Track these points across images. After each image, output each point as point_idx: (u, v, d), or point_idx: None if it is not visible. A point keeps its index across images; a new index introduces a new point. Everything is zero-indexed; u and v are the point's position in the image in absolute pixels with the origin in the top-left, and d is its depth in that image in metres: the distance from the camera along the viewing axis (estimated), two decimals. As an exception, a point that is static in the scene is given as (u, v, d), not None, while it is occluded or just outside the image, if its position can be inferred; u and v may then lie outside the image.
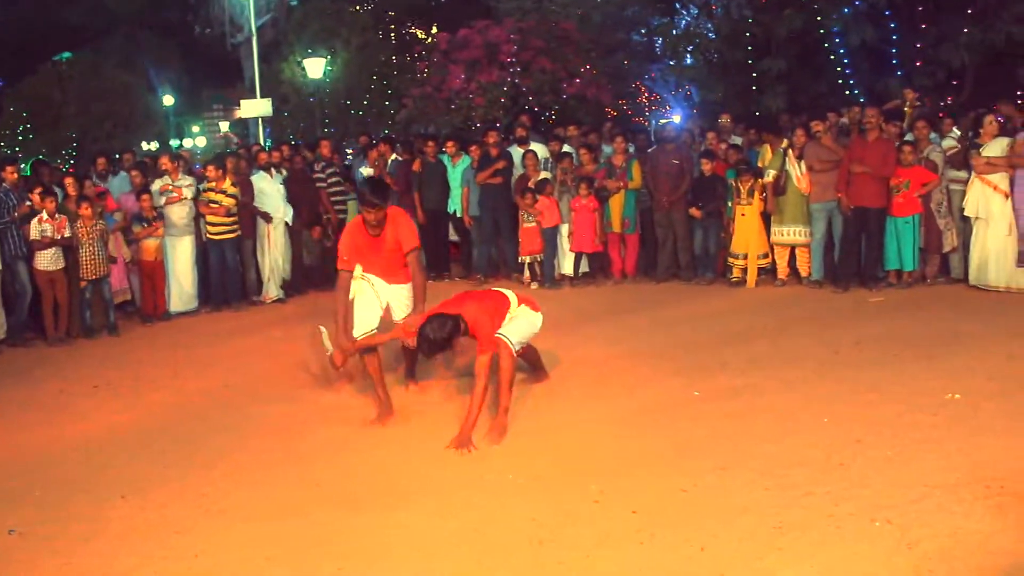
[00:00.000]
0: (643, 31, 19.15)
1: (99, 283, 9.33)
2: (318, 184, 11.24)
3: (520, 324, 5.83)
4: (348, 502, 4.75)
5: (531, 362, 6.58)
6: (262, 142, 19.41)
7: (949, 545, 3.78)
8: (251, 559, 4.18)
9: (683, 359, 7.08)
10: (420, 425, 5.94)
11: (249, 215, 10.37)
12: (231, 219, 10.10)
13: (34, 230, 8.88)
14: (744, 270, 9.90)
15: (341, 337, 6.08)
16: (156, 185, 10.15)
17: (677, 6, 17.70)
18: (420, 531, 4.35)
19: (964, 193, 8.95)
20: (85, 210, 9.13)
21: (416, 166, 11.44)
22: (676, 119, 16.58)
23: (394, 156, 11.91)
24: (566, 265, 10.79)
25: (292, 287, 10.84)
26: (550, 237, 10.68)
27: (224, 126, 42.73)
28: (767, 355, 7.01)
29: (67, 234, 9.01)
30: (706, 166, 10.12)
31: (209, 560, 4.21)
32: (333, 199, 11.37)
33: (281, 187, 10.67)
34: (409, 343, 5.97)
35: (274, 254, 10.60)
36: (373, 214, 5.91)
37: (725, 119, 11.52)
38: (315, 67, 21.92)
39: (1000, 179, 8.66)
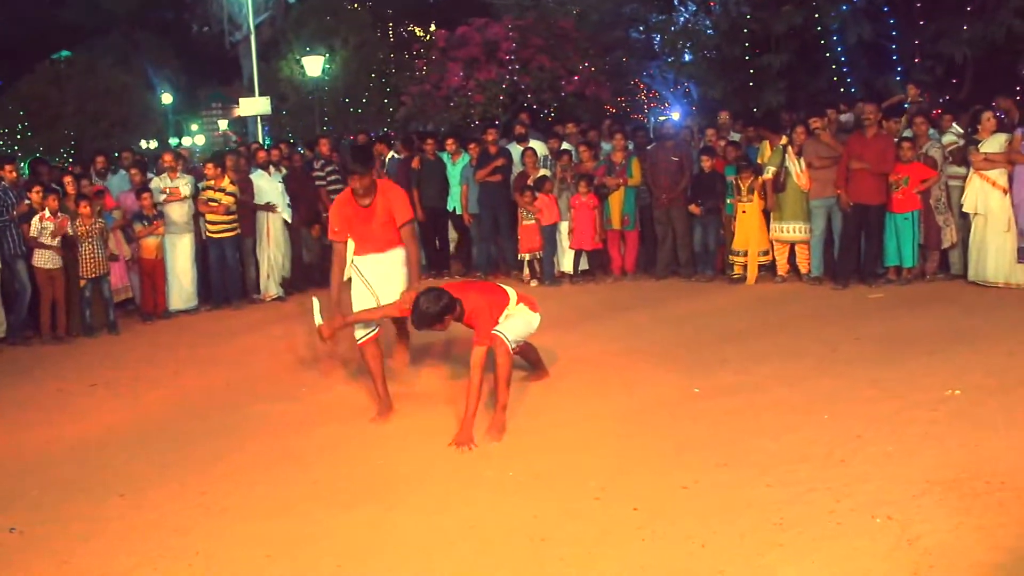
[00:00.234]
0: (641, 28, 19.10)
1: (99, 281, 9.33)
2: (317, 182, 11.23)
3: (516, 322, 5.80)
4: (348, 500, 4.75)
5: (531, 360, 6.57)
6: (261, 140, 19.39)
7: (950, 541, 3.77)
8: (251, 558, 4.18)
9: (683, 356, 7.07)
10: (420, 422, 5.93)
11: (249, 213, 10.36)
12: (231, 217, 10.10)
13: (34, 228, 8.87)
14: (745, 267, 9.89)
15: (333, 309, 6.01)
16: (155, 183, 10.16)
17: (675, 3, 17.65)
18: (420, 528, 4.34)
19: (963, 189, 8.94)
20: (84, 208, 9.14)
21: (415, 164, 11.44)
22: (675, 116, 16.56)
23: (391, 154, 11.91)
24: (565, 263, 10.80)
25: (292, 285, 10.83)
26: (549, 234, 10.67)
27: (223, 124, 42.71)
28: (767, 352, 7.00)
29: (68, 232, 9.01)
30: (706, 163, 10.12)
31: (209, 559, 4.20)
32: (332, 197, 11.35)
33: (280, 185, 10.67)
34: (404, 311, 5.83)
35: (274, 252, 10.59)
36: (358, 181, 5.81)
37: (724, 116, 11.51)
38: (314, 65, 21.93)
39: (999, 175, 8.66)
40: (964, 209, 8.93)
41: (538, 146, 11.17)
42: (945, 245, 9.22)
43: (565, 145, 11.18)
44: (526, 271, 10.84)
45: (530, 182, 10.64)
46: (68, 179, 9.70)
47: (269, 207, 10.45)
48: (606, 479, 4.73)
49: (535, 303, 6.07)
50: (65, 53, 27.97)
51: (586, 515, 4.34)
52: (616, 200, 10.49)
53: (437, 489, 4.81)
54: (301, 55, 22.79)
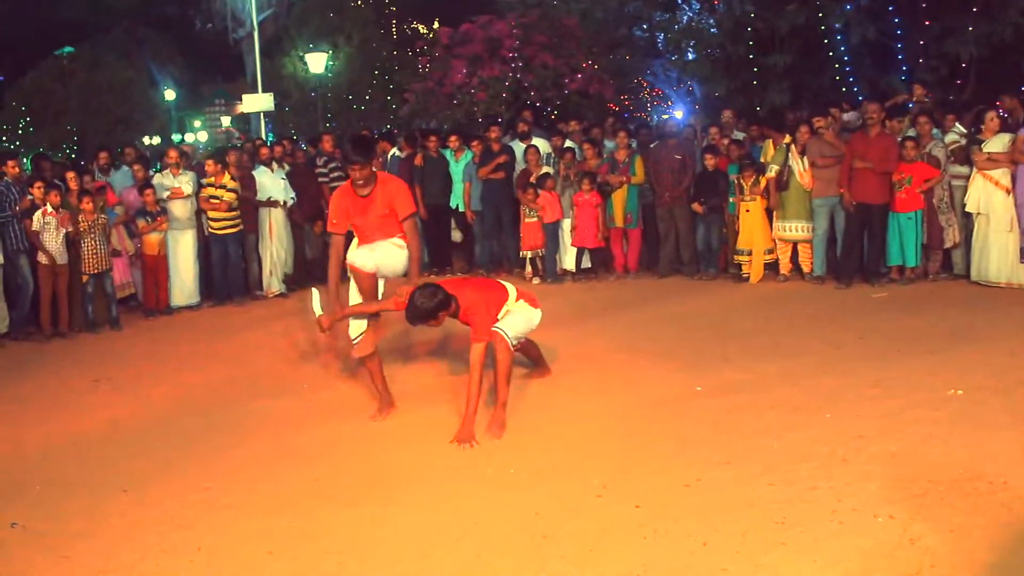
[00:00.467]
0: (645, 26, 19.08)
1: (101, 277, 9.34)
2: (320, 179, 11.23)
3: (516, 319, 5.78)
4: (349, 497, 4.75)
5: (532, 357, 6.56)
6: (264, 137, 19.40)
7: (952, 540, 3.77)
8: (253, 554, 4.18)
9: (685, 354, 7.07)
10: (421, 419, 5.93)
11: (252, 209, 10.37)
12: (233, 213, 10.10)
13: (36, 223, 8.88)
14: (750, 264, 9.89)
15: (331, 300, 5.98)
16: (158, 179, 10.17)
17: (679, 1, 17.65)
18: (422, 525, 4.35)
19: (966, 189, 8.93)
20: (87, 204, 9.14)
21: (418, 161, 11.43)
22: (678, 114, 16.54)
23: (393, 151, 11.90)
24: (568, 260, 10.79)
25: (294, 281, 10.83)
26: (551, 232, 10.67)
27: (226, 121, 42.76)
28: (769, 350, 7.00)
29: (69, 228, 9.01)
30: (709, 161, 10.12)
31: (210, 555, 4.21)
32: (335, 194, 11.36)
33: (283, 181, 10.67)
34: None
35: (276, 248, 10.60)
36: (358, 171, 5.72)
37: (727, 115, 11.50)
38: (317, 62, 21.92)
39: (1002, 175, 8.64)
40: (967, 209, 8.92)
41: (541, 144, 11.18)
42: (948, 245, 9.21)
43: (568, 143, 11.18)
44: (528, 269, 10.84)
45: (533, 179, 10.64)
46: (71, 175, 9.71)
47: (272, 203, 10.45)
48: (608, 477, 4.72)
49: (536, 299, 6.05)
50: (68, 49, 27.94)
51: (588, 513, 4.34)
52: (619, 198, 10.48)
53: (438, 486, 4.81)
54: (304, 52, 22.79)
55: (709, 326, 7.99)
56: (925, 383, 5.80)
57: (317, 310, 6.04)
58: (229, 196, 10.00)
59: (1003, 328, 7.13)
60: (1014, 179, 8.57)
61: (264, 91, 20.94)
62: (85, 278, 9.22)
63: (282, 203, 10.52)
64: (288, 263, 10.83)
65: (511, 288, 5.92)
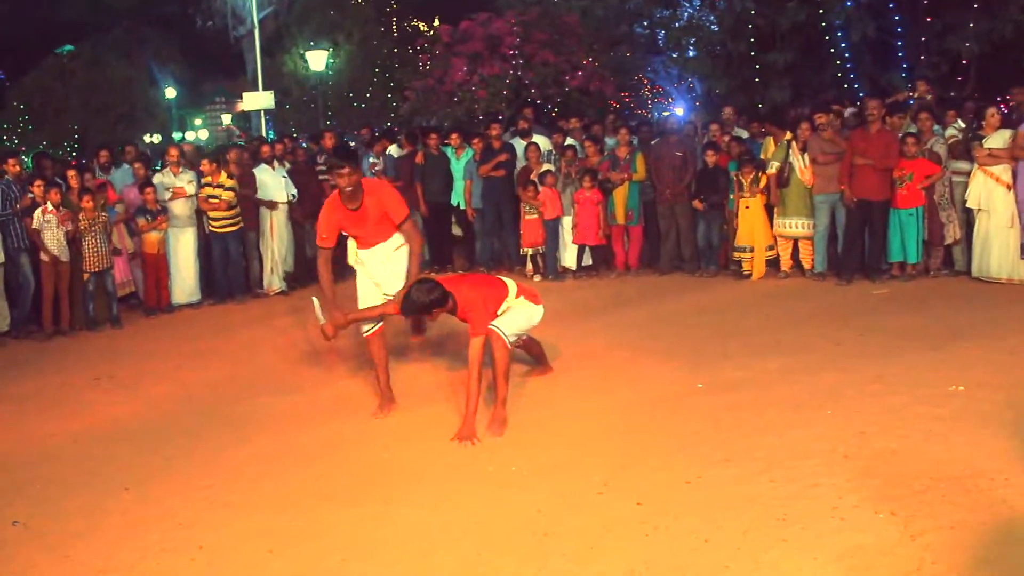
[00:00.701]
0: (646, 24, 19.08)
1: (102, 275, 9.34)
2: (321, 177, 11.23)
3: (516, 316, 5.77)
4: (351, 495, 4.75)
5: (534, 355, 6.56)
6: (264, 135, 19.41)
7: (953, 537, 3.76)
8: (254, 552, 4.18)
9: (686, 351, 7.06)
10: (422, 417, 5.93)
11: (252, 207, 10.36)
12: (233, 212, 10.10)
13: (36, 221, 8.87)
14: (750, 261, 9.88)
15: (331, 308, 5.99)
16: (159, 178, 10.17)
17: (679, -2, 17.68)
18: (423, 523, 4.35)
19: (966, 185, 8.93)
20: (87, 202, 9.15)
21: (419, 158, 11.43)
22: (679, 111, 16.53)
23: (391, 148, 11.89)
24: (568, 257, 10.79)
25: (295, 279, 10.84)
26: (552, 229, 10.67)
27: (226, 119, 42.74)
28: (770, 347, 6.99)
29: (69, 227, 9.01)
30: (710, 158, 10.11)
31: (212, 553, 4.21)
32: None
33: (283, 179, 10.67)
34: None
35: (277, 246, 10.60)
36: (344, 178, 5.66)
37: (728, 112, 11.49)
38: (317, 60, 21.93)
39: (1002, 171, 8.64)
40: (968, 205, 8.92)
41: (542, 141, 11.17)
42: (948, 241, 9.20)
43: (569, 140, 11.18)
44: (529, 266, 10.84)
45: (533, 177, 10.63)
46: (71, 173, 9.72)
47: (270, 205, 10.44)
48: (609, 474, 4.72)
49: (537, 295, 6.04)
50: (69, 48, 27.96)
51: (589, 510, 4.34)
52: (620, 195, 10.47)
53: (440, 484, 4.81)
54: (305, 50, 22.80)
55: (710, 323, 7.99)
56: (926, 380, 5.80)
57: (321, 319, 6.06)
58: (228, 195, 9.99)
59: (1004, 325, 7.12)
60: (1015, 175, 8.57)
61: (265, 89, 20.93)
62: (86, 276, 9.22)
63: (284, 201, 10.51)
64: (289, 261, 10.84)
65: (511, 284, 5.92)
